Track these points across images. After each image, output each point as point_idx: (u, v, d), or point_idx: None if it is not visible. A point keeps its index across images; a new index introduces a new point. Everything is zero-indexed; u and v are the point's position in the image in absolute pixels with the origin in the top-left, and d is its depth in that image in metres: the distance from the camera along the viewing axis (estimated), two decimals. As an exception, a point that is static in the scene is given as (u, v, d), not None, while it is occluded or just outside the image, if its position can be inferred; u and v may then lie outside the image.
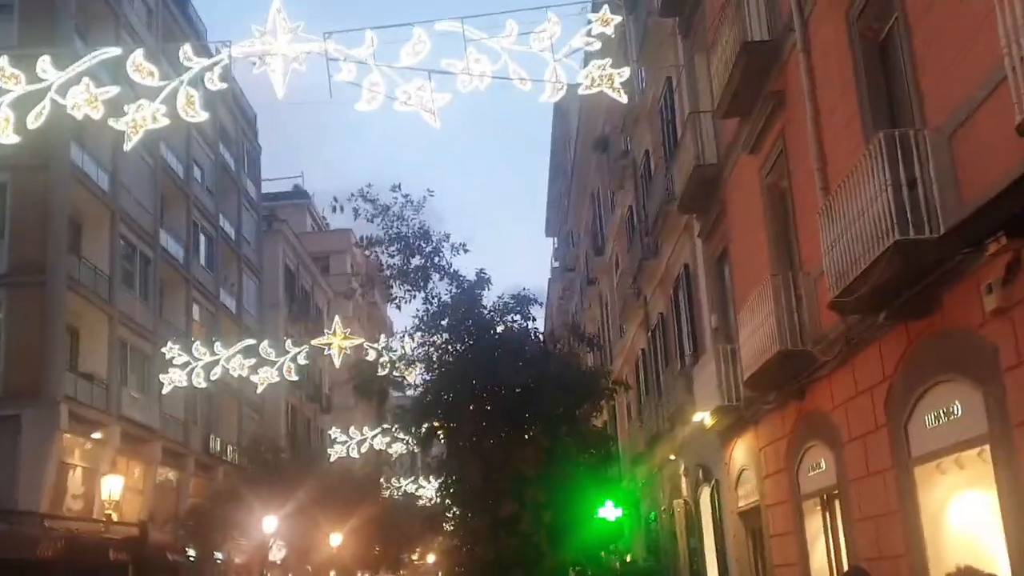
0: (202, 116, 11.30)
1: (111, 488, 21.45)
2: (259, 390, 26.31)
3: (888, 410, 10.49)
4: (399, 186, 9.89)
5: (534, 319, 9.87)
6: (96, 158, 30.25)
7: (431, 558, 67.04)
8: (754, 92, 14.44)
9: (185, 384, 24.46)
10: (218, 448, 39.06)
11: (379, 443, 34.44)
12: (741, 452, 17.11)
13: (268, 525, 30.54)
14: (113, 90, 11.06)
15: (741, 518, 17.52)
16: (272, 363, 25.51)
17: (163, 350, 24.49)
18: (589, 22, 9.10)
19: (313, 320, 55.74)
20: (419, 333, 9.56)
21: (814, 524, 13.62)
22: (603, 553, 8.98)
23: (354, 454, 35.07)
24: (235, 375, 25.52)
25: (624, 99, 9.28)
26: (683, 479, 22.07)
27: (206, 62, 9.70)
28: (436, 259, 9.55)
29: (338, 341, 26.91)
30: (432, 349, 9.29)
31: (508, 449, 8.22)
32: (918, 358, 9.77)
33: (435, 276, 9.48)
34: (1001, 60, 7.04)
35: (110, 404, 29.62)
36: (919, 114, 9.41)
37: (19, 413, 26.25)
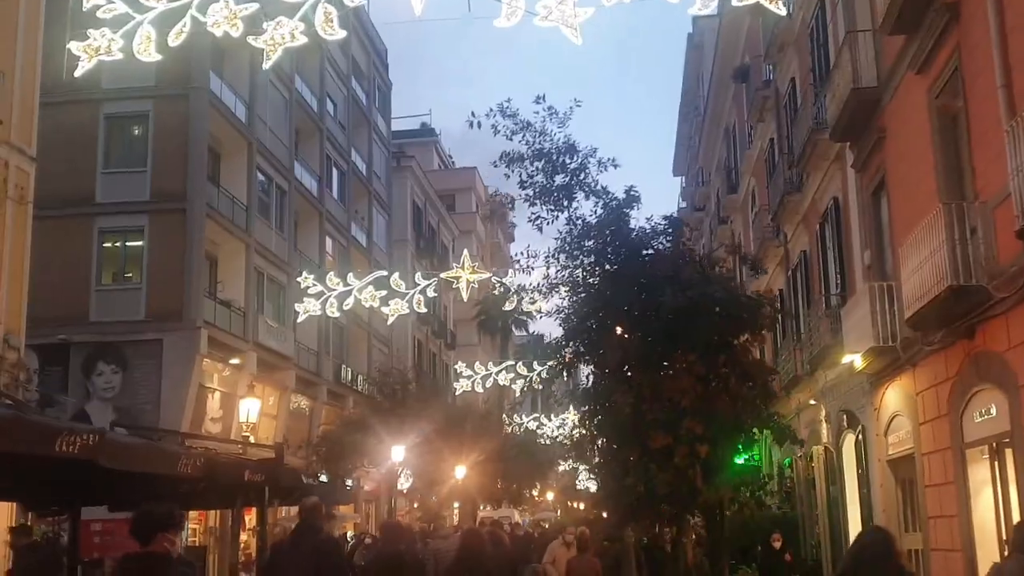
0: (340, 34, 10.90)
1: (249, 411, 21.90)
2: (389, 321, 26.26)
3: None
4: (543, 96, 9.20)
5: (689, 241, 9.16)
6: (234, 89, 30.62)
7: (550, 495, 67.59)
8: (924, 5, 13.30)
9: (319, 313, 24.61)
10: (349, 378, 39.73)
11: (504, 379, 34.44)
12: (894, 397, 16.17)
13: (396, 454, 30.86)
14: (253, 6, 10.79)
15: (890, 466, 16.63)
16: (402, 295, 25.52)
17: (298, 279, 24.72)
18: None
19: (439, 257, 56.01)
20: (562, 255, 8.99)
21: (979, 474, 12.70)
22: (747, 494, 8.36)
23: (479, 388, 35.10)
24: (366, 306, 25.61)
25: (782, 10, 8.44)
26: (823, 425, 21.18)
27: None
28: (582, 176, 8.91)
29: (466, 275, 26.70)
30: (578, 271, 8.70)
31: (661, 378, 7.63)
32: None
33: (580, 195, 8.86)
34: None
35: (247, 331, 30.27)
36: None
37: (161, 337, 27.02)
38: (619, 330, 8.41)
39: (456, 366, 36.27)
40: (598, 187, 8.85)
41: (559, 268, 8.93)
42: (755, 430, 8.27)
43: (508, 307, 23.14)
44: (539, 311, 20.96)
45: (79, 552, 15.84)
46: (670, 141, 59.32)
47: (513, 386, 35.15)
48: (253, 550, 18.32)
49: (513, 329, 69.33)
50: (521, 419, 54.39)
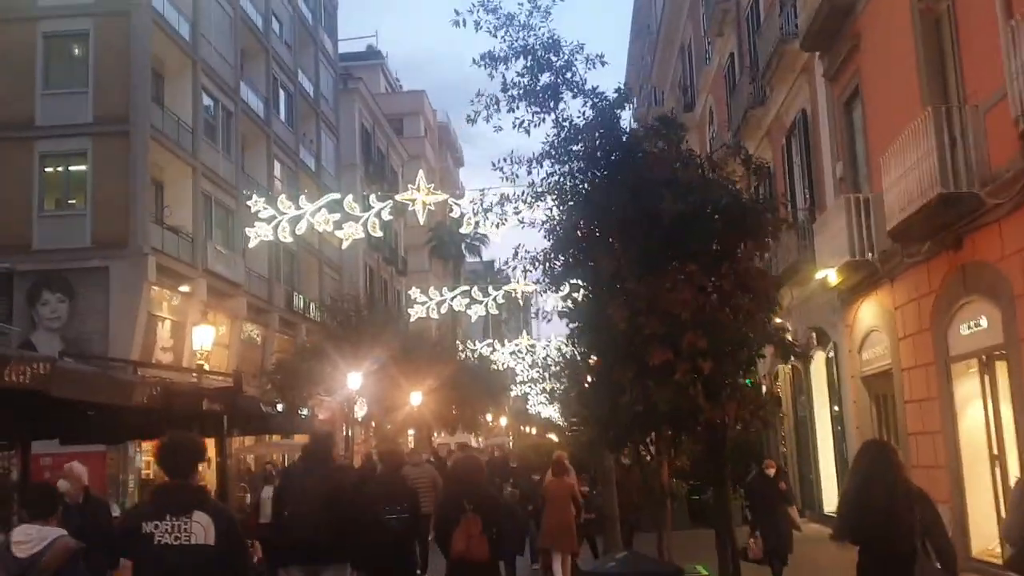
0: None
1: (203, 339, 21.20)
2: (344, 245, 25.43)
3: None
4: None
5: (686, 143, 8.59)
6: (177, 6, 29.20)
7: (503, 421, 67.91)
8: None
9: (271, 238, 23.82)
10: (301, 306, 38.97)
11: (458, 304, 34.03)
12: (869, 312, 15.95)
13: (353, 381, 30.37)
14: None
15: (864, 383, 16.49)
16: (356, 218, 24.78)
17: (248, 203, 23.82)
18: None
19: (388, 182, 54.93)
20: (548, 161, 8.38)
21: (966, 388, 12.52)
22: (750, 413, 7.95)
23: (433, 315, 34.64)
24: (319, 230, 24.85)
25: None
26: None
27: None
28: (568, 75, 8.29)
29: (422, 196, 25.98)
30: (566, 178, 8.10)
31: (658, 289, 7.12)
32: None
33: (567, 95, 8.24)
34: None
35: (196, 258, 29.34)
36: None
37: (107, 265, 26.05)
38: (612, 239, 7.84)
39: (410, 292, 35.73)
40: (587, 86, 8.24)
41: (545, 176, 8.36)
42: (758, 345, 7.83)
43: (465, 229, 22.53)
44: (508, 223, 20.44)
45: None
46: (619, 62, 58.30)
47: (468, 311, 34.85)
48: (213, 483, 17.80)
49: (466, 254, 68.80)
50: (474, 344, 54.34)
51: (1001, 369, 11.38)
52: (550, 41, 8.37)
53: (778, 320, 8.49)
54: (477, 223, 26.27)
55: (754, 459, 14.84)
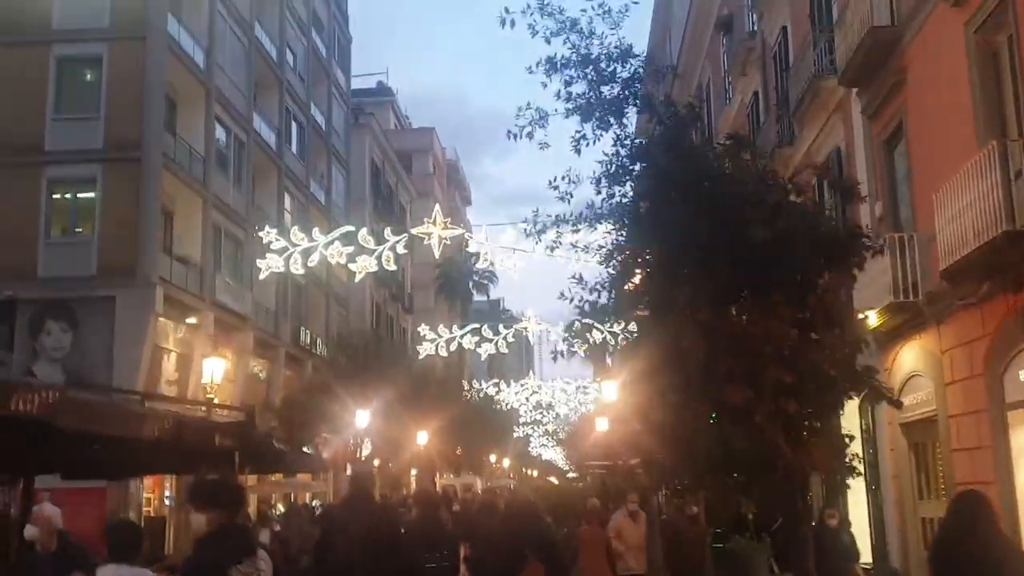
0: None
1: (213, 371, 20.52)
2: (358, 279, 24.98)
3: None
4: None
5: (764, 163, 7.95)
6: (192, 33, 28.85)
7: (506, 462, 67.00)
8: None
9: (282, 269, 23.31)
10: (308, 340, 38.27)
11: (468, 342, 33.44)
12: (911, 356, 15.25)
13: (361, 420, 29.62)
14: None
15: (903, 430, 15.74)
16: (371, 251, 24.21)
17: (260, 234, 23.26)
18: None
19: (397, 218, 54.52)
20: (602, 183, 7.73)
21: (1023, 438, 11.82)
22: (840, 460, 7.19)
23: (442, 352, 34.02)
24: (332, 262, 24.31)
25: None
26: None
27: None
28: (635, 87, 7.66)
29: (438, 231, 25.42)
30: (632, 200, 7.43)
31: (739, 321, 6.47)
32: None
33: (631, 109, 7.62)
34: None
35: (204, 289, 28.73)
36: None
37: (114, 294, 25.43)
38: (685, 266, 7.13)
39: (419, 329, 35.09)
40: (660, 98, 7.58)
41: (605, 197, 7.70)
42: (847, 386, 7.17)
43: (481, 264, 21.94)
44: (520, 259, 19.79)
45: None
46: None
47: (478, 349, 34.22)
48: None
49: (474, 292, 68.25)
50: (480, 384, 53.66)
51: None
52: (617, 50, 7.73)
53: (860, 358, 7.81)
54: (489, 261, 25.68)
55: (785, 506, 14.05)
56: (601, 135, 7.85)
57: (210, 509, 5.13)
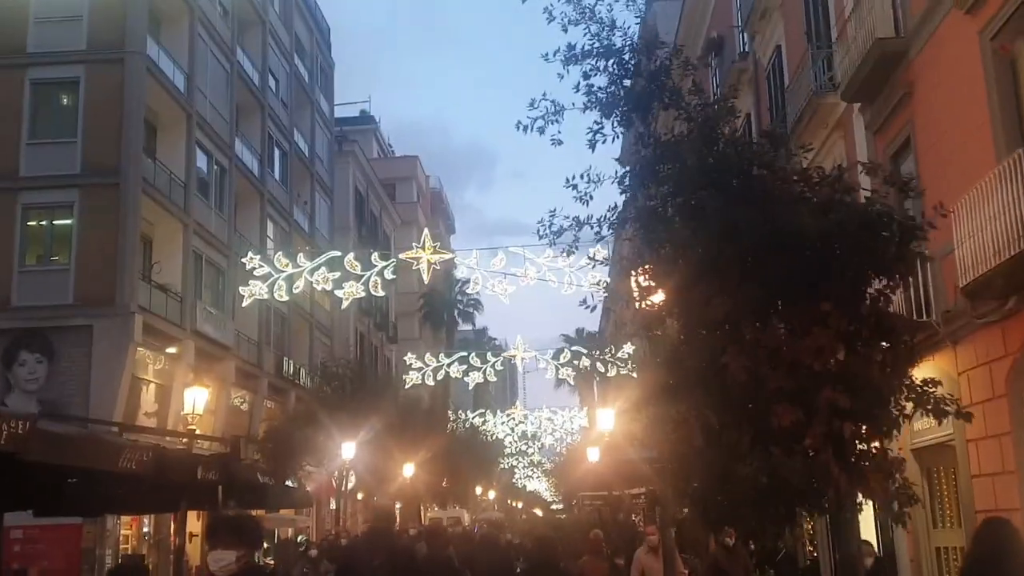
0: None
1: (195, 400, 19.75)
2: (344, 305, 24.33)
3: None
4: None
5: (805, 160, 7.34)
6: (172, 56, 28.24)
7: (492, 494, 66.10)
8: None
9: (266, 296, 22.65)
10: (291, 371, 37.43)
11: (455, 371, 32.83)
12: (923, 378, 14.66)
13: (347, 451, 28.79)
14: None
15: (916, 455, 15.12)
16: (357, 277, 23.53)
17: (243, 260, 22.58)
18: None
19: (381, 246, 53.85)
20: (628, 180, 7.13)
21: (1049, 461, 11.24)
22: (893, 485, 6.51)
23: (429, 381, 33.36)
24: (319, 288, 23.62)
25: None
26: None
27: None
28: (662, 80, 7.08)
29: (427, 255, 24.78)
30: (663, 200, 6.81)
31: (786, 335, 5.86)
32: None
33: (655, 105, 7.03)
34: None
35: (184, 318, 27.94)
36: None
37: (91, 324, 24.63)
38: (724, 270, 6.46)
39: (405, 358, 34.38)
40: (691, 89, 7.00)
41: (624, 199, 7.10)
42: (905, 404, 6.58)
43: (472, 289, 21.37)
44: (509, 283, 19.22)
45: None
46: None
47: (465, 378, 33.56)
48: (198, 560, 16.19)
49: (459, 320, 67.55)
50: (466, 415, 52.92)
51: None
52: (643, 41, 7.15)
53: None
54: (479, 286, 24.95)
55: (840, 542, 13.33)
56: (621, 132, 7.28)
57: (235, 547, 4.75)
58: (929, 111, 14.08)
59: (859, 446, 6.39)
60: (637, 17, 7.31)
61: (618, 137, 7.35)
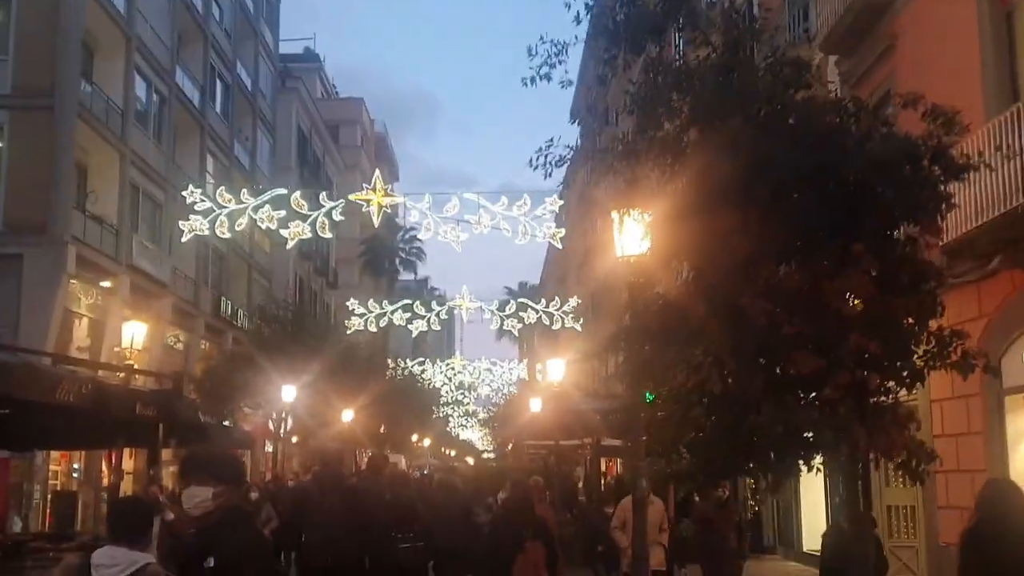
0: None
1: (133, 335, 18.93)
2: (289, 245, 23.50)
3: None
4: None
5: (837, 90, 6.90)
6: (112, -26, 26.83)
7: (427, 442, 66.00)
8: None
9: (207, 232, 21.73)
10: (228, 312, 36.42)
11: (399, 319, 32.29)
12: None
13: (288, 394, 28.12)
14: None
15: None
16: (304, 217, 22.67)
17: (183, 194, 21.59)
18: None
19: (324, 189, 52.63)
20: (631, 115, 6.63)
21: (1020, 424, 11.11)
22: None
23: (372, 328, 32.76)
24: (263, 227, 22.71)
25: None
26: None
27: None
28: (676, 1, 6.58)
29: (377, 198, 23.97)
30: (683, 130, 6.32)
31: (811, 275, 5.43)
32: None
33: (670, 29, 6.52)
34: None
35: (120, 251, 26.82)
36: None
37: (21, 252, 23.42)
38: (747, 207, 5.94)
39: (349, 304, 33.69)
40: (716, 8, 6.49)
41: (631, 130, 6.58)
42: (933, 356, 6.21)
43: (424, 235, 20.95)
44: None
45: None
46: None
47: (409, 327, 32.98)
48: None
49: (400, 269, 66.70)
50: (405, 363, 52.51)
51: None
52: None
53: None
54: (431, 232, 24.21)
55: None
56: (632, 59, 6.75)
57: (211, 483, 4.43)
58: (913, 65, 13.74)
59: (880, 399, 6.03)
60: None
61: (630, 65, 6.81)
